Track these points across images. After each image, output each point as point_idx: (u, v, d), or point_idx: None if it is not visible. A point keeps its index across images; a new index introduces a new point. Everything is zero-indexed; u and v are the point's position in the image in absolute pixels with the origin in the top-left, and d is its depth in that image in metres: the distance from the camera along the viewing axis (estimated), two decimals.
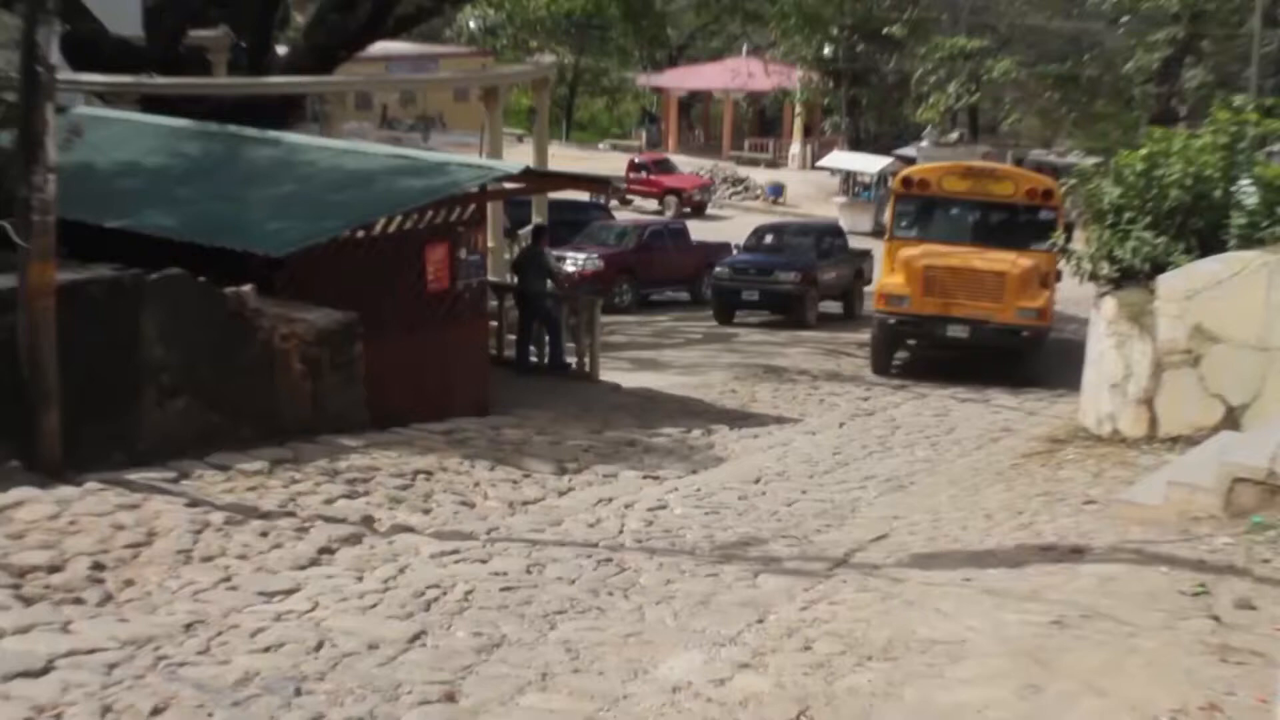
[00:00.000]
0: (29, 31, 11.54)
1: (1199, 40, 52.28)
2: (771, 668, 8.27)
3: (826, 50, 61.60)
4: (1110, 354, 16.93)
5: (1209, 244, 17.06)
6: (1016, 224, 25.25)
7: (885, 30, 60.61)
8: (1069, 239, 21.73)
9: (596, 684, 7.97)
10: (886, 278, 25.04)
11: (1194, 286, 15.83)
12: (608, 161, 57.24)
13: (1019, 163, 45.95)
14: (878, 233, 27.25)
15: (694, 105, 77.41)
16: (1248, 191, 17.73)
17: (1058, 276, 24.24)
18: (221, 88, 26.84)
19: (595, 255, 35.83)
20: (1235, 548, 10.90)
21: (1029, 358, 23.78)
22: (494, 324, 21.83)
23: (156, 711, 7.27)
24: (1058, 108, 60.03)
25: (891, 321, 24.20)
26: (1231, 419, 15.21)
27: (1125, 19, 55.13)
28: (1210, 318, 15.57)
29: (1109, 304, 17.15)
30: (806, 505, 13.65)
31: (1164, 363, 16.04)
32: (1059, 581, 10.19)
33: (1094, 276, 17.93)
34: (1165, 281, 16.23)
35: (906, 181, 26.55)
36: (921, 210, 25.73)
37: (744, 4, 42.25)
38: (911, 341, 24.92)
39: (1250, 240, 16.82)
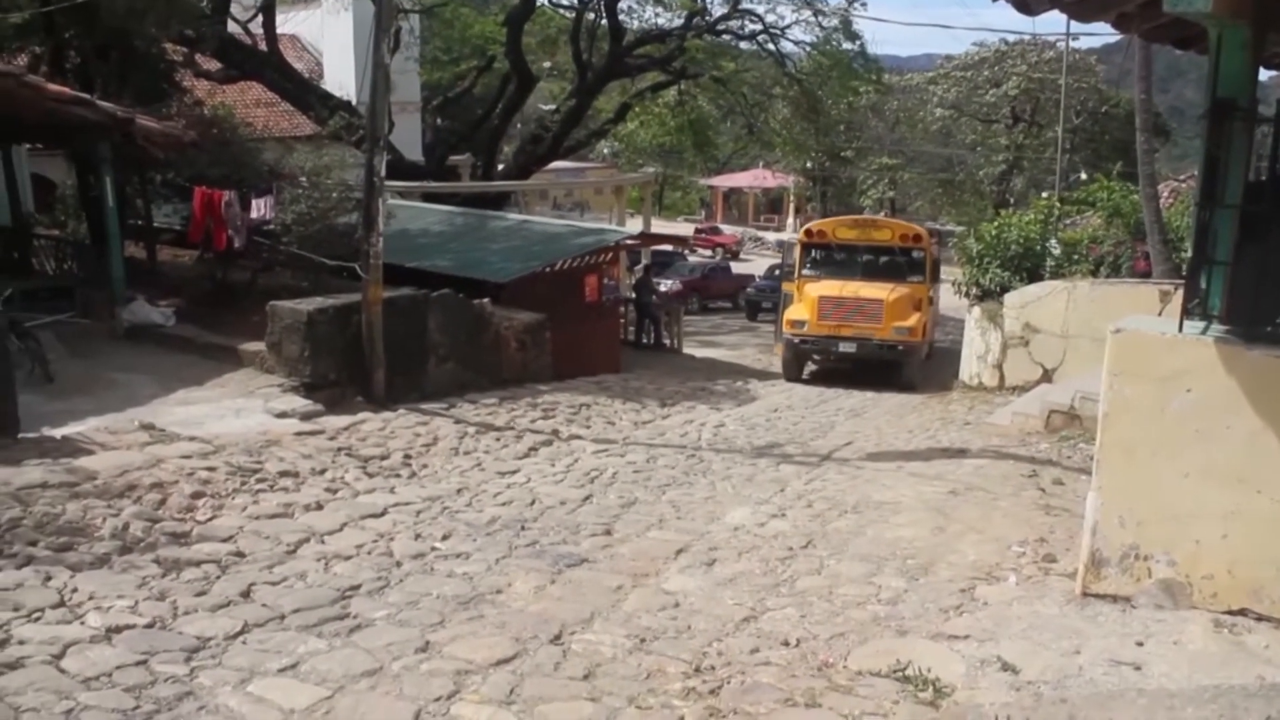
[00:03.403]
0: (370, 158, 11.67)
1: (1021, 160, 51.81)
2: (790, 517, 8.23)
3: (808, 164, 61.19)
4: (977, 339, 16.80)
5: (1034, 276, 16.96)
6: (894, 262, 19.80)
7: (841, 153, 60.20)
8: (935, 273, 20.93)
9: (690, 525, 7.96)
10: (793, 307, 19.54)
11: (1025, 300, 15.73)
12: (682, 229, 57.01)
13: None
14: (786, 275, 22.23)
15: (732, 195, 76.84)
16: (1054, 246, 17.60)
17: (930, 301, 20.27)
18: (467, 188, 26.99)
19: (677, 281, 35.72)
20: (1052, 450, 10.79)
21: (906, 367, 18.44)
22: (623, 320, 21.80)
23: (444, 537, 7.35)
24: (940, 198, 59.52)
25: (796, 341, 18.87)
26: (1047, 376, 15.10)
27: (978, 148, 54.71)
28: (1034, 318, 15.50)
29: (976, 310, 17.01)
30: (805, 425, 13.52)
31: (1008, 344, 15.93)
32: (952, 468, 10.08)
33: (967, 295, 17.74)
34: (1009, 297, 16.12)
35: (809, 232, 20.95)
36: (820, 254, 20.18)
37: (761, 138, 41.85)
38: (817, 356, 19.29)
39: (1058, 274, 16.72)
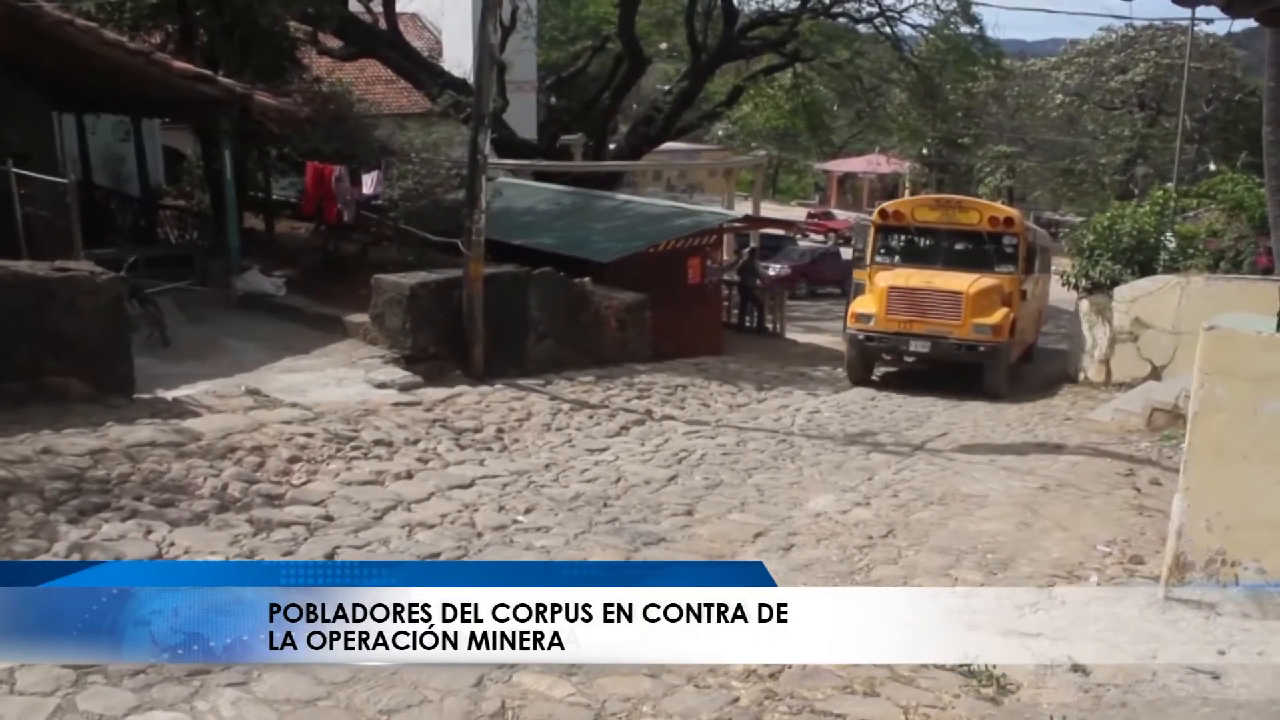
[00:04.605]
0: (474, 136, 11.81)
1: (1146, 150, 50.05)
2: (873, 505, 8.16)
3: (925, 150, 60.02)
4: (1085, 333, 16.33)
5: (1146, 269, 16.41)
6: (982, 249, 16.51)
7: (959, 140, 58.94)
8: (1030, 262, 17.39)
9: (772, 510, 7.94)
10: (860, 299, 16.70)
11: (1135, 294, 15.30)
12: (795, 213, 56.53)
13: (1037, 220, 42.34)
14: (857, 261, 18.95)
15: (846, 180, 75.80)
16: (1170, 240, 17.04)
17: (1022, 295, 16.49)
18: (578, 168, 27.10)
19: (785, 266, 35.25)
20: (1152, 449, 10.50)
21: (990, 371, 15.47)
22: (726, 304, 21.63)
23: (527, 510, 7.44)
24: (1060, 187, 57.85)
25: (861, 338, 15.99)
26: (1155, 373, 14.65)
27: (1101, 136, 52.99)
28: (1144, 313, 15.08)
29: (1085, 303, 16.55)
30: (900, 414, 13.33)
31: (1116, 339, 15.49)
32: (1045, 464, 9.88)
33: (1076, 287, 17.23)
34: (1119, 291, 15.67)
35: (884, 213, 17.67)
36: (897, 238, 17.14)
37: (877, 124, 41.08)
38: (887, 356, 16.40)
39: (1172, 268, 16.17)
